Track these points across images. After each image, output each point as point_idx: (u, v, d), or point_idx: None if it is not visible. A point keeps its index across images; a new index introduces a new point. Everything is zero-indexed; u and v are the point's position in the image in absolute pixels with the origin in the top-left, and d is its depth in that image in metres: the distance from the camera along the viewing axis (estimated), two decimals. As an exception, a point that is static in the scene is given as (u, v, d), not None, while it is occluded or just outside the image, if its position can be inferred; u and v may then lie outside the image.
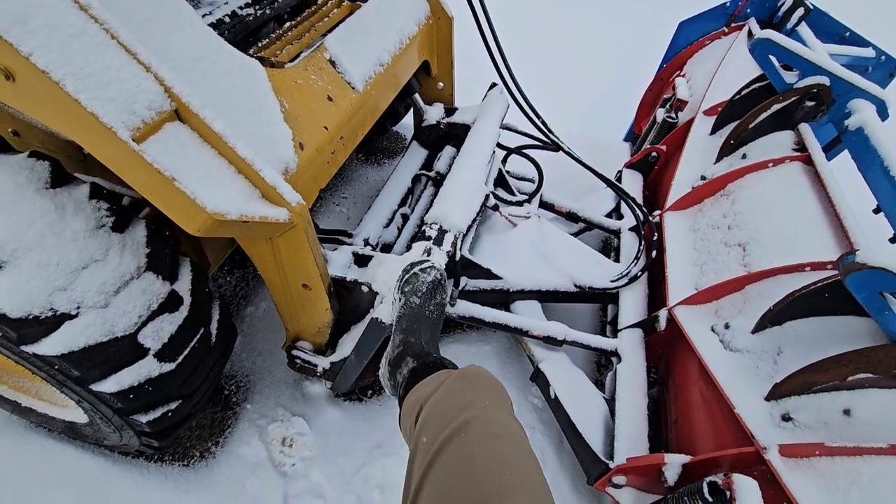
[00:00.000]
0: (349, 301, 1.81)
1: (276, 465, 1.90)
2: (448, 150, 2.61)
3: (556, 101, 4.20)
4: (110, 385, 1.29)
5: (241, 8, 1.87)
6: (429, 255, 1.78)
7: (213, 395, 2.05)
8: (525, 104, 2.40)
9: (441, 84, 2.70)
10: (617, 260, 2.37)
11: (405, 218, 2.42)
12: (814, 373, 1.27)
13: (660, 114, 2.78)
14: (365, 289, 1.73)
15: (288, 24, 1.85)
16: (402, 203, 2.45)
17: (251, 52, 1.69)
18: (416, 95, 2.60)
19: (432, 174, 2.52)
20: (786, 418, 1.31)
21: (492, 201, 2.22)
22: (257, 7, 1.91)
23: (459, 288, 2.00)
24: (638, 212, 2.32)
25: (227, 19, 1.81)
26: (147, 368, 1.35)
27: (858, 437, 1.20)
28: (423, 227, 1.90)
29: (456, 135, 2.62)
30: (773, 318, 1.49)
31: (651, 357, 1.97)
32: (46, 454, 1.84)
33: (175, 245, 1.51)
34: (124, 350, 1.29)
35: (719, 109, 2.39)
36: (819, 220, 1.75)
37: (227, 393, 2.10)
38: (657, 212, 2.33)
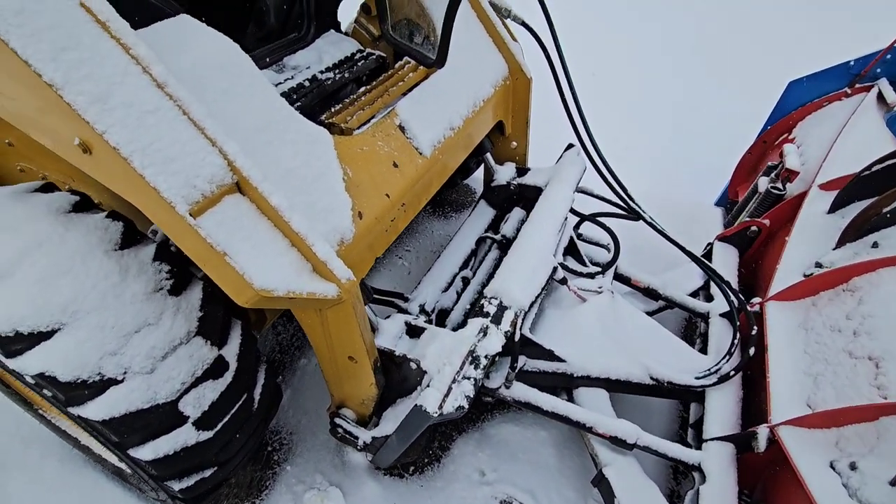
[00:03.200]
0: (397, 375, 1.70)
1: (306, 541, 1.79)
2: (517, 213, 2.49)
3: (638, 155, 3.96)
4: (147, 452, 1.27)
5: (321, 72, 1.93)
6: (485, 334, 1.63)
7: (254, 454, 2.01)
8: (603, 167, 2.23)
9: (515, 143, 2.61)
10: (703, 351, 2.06)
11: (466, 282, 2.30)
12: None
13: (763, 182, 2.46)
14: (413, 366, 1.61)
15: (364, 87, 1.87)
16: (465, 265, 2.34)
17: (324, 116, 1.71)
18: (488, 154, 2.53)
19: (498, 237, 2.40)
20: None
21: (560, 274, 2.04)
22: (336, 71, 1.96)
23: (516, 369, 1.82)
24: (732, 297, 2.01)
25: (306, 83, 1.86)
26: (185, 436, 1.32)
27: None
28: (482, 301, 1.76)
29: (526, 197, 2.49)
30: (924, 470, 1.15)
31: (744, 478, 1.63)
32: (97, 491, 1.88)
33: (228, 306, 1.50)
34: (164, 417, 1.26)
35: (841, 185, 2.05)
36: None
37: (269, 450, 2.05)
38: (757, 299, 2.00)
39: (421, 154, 1.76)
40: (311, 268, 1.28)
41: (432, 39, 1.96)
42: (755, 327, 1.89)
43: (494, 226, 2.57)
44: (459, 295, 2.24)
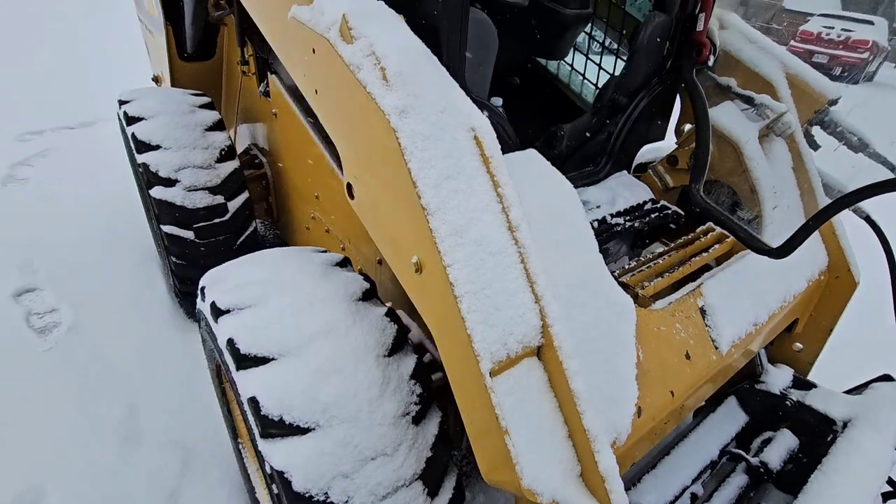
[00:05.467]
0: None
1: None
2: (785, 438, 1.89)
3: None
4: None
5: (611, 216, 1.78)
6: None
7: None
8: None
9: (800, 346, 2.06)
10: None
11: (694, 500, 1.77)
12: None
13: None
14: None
15: (661, 249, 1.65)
16: (700, 475, 1.83)
17: (616, 273, 1.52)
18: (762, 350, 2.03)
19: (754, 461, 1.83)
20: None
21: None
22: (626, 218, 1.78)
23: None
24: None
25: (595, 224, 1.72)
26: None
27: None
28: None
29: (805, 422, 1.89)
30: None
31: None
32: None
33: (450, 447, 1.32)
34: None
35: None
36: None
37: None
38: None
39: (717, 349, 1.41)
40: (580, 472, 1.02)
41: (762, 219, 1.66)
42: None
43: (744, 438, 2.00)
44: (682, 517, 1.73)
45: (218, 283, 1.33)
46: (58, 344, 2.51)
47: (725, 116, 1.83)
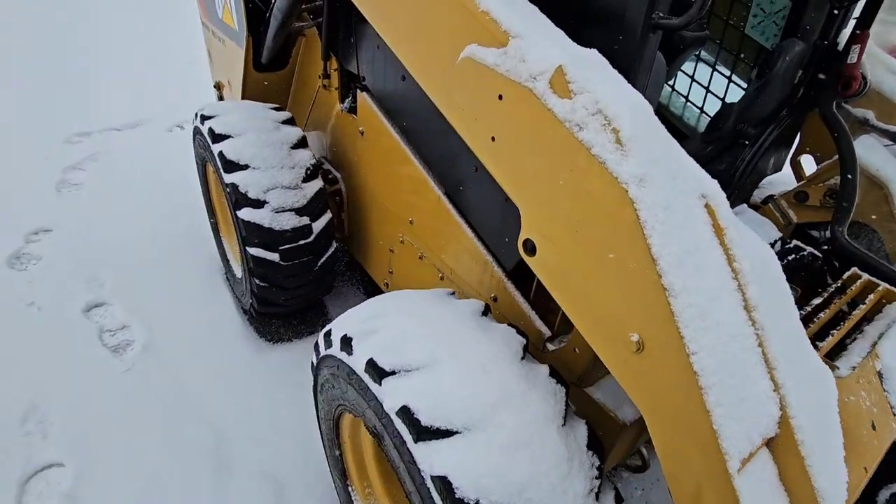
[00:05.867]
0: None
1: None
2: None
3: None
4: None
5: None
6: None
7: None
8: None
9: (925, 393, 1.95)
10: None
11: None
12: None
13: None
14: None
15: (817, 300, 1.55)
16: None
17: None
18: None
19: (890, 518, 1.73)
20: None
21: None
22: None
23: None
24: None
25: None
26: None
27: None
28: None
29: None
30: None
31: None
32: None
33: None
34: None
35: None
36: None
37: None
38: None
39: (895, 416, 1.32)
40: (812, 573, 0.93)
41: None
42: None
43: (864, 491, 1.90)
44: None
45: (368, 335, 1.25)
46: (135, 365, 2.45)
47: (868, 153, 1.72)
